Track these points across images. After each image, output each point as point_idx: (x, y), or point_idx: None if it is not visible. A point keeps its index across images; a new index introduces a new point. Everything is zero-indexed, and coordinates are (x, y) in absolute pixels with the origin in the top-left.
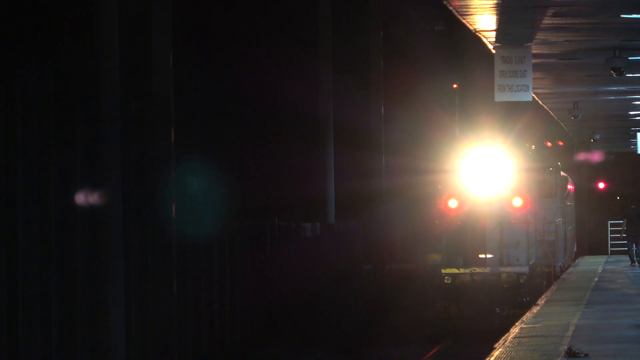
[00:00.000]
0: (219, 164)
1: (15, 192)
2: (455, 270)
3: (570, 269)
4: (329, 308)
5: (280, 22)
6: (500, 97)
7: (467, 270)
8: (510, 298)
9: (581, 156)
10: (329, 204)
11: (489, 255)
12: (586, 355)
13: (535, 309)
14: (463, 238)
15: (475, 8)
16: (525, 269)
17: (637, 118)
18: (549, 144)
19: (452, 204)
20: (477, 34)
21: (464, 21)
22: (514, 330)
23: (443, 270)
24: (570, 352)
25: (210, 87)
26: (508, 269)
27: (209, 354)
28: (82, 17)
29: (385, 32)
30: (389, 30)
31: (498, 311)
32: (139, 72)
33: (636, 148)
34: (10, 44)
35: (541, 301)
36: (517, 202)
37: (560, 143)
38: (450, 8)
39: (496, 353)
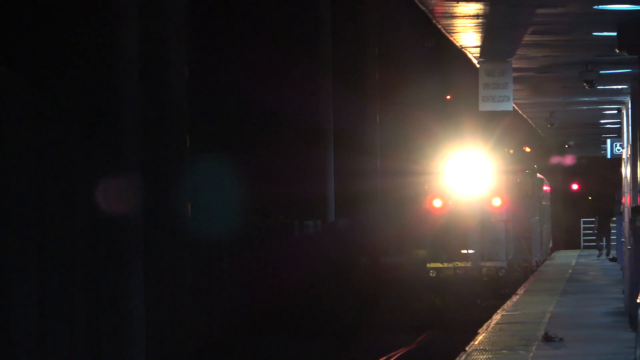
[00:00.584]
0: (228, 167)
1: (44, 196)
2: (439, 265)
3: (547, 262)
4: (328, 299)
5: (284, 35)
6: (483, 107)
7: (450, 265)
8: (491, 290)
9: (556, 160)
10: (329, 203)
11: (470, 251)
12: (561, 339)
13: (515, 299)
14: (447, 235)
15: (461, 27)
16: (504, 264)
17: (607, 126)
18: (528, 149)
19: (437, 203)
20: (462, 49)
21: (450, 38)
22: (496, 318)
23: (428, 265)
24: (546, 337)
25: (220, 95)
26: (488, 264)
27: (217, 342)
28: (104, 33)
29: (381, 46)
30: (385, 43)
31: (479, 302)
32: (156, 84)
33: (606, 153)
34: (38, 59)
35: (520, 291)
36: (497, 202)
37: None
38: (439, 26)
39: (480, 338)
